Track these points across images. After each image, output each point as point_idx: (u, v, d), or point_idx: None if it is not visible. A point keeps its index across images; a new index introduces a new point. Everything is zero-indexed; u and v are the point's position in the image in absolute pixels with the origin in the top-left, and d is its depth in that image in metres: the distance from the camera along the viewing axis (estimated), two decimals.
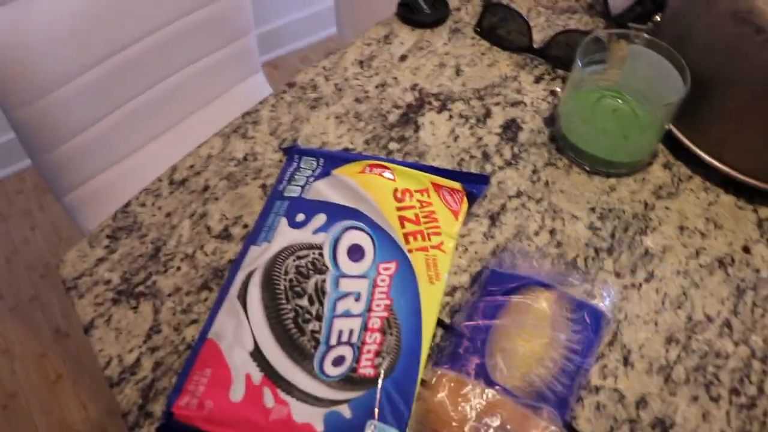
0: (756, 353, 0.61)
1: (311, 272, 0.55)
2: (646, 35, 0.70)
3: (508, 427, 0.49)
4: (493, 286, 0.58)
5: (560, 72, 0.82)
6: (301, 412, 0.49)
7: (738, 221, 0.70)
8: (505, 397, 0.50)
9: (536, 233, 0.67)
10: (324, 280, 0.55)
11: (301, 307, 0.53)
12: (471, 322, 0.55)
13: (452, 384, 0.51)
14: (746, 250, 0.68)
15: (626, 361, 0.59)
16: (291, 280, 0.55)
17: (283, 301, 0.53)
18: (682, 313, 0.63)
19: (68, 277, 0.63)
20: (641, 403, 0.57)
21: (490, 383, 0.51)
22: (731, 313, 0.63)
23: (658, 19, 0.80)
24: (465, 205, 0.64)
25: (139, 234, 0.66)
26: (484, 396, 0.50)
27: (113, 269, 0.63)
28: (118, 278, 0.63)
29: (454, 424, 0.49)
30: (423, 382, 0.52)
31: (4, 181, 1.95)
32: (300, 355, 0.51)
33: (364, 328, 0.53)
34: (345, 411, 0.49)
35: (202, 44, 1.08)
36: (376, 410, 0.48)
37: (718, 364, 0.60)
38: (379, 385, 0.50)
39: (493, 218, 0.68)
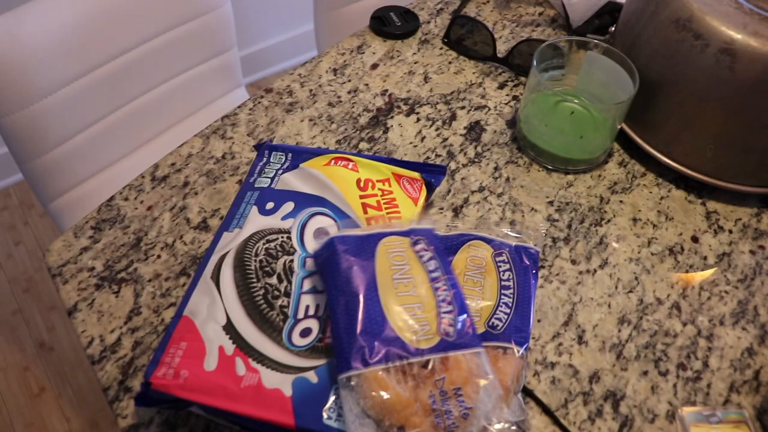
0: (702, 332, 0.65)
1: (280, 253, 0.59)
2: (600, 43, 0.76)
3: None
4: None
5: (523, 79, 0.87)
6: (271, 379, 0.52)
7: (687, 213, 0.74)
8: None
9: (497, 224, 0.71)
10: (292, 260, 0.58)
11: (271, 285, 0.57)
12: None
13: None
14: (695, 239, 0.72)
15: (580, 340, 0.63)
16: (261, 261, 0.58)
17: (254, 280, 0.57)
18: (633, 297, 0.67)
19: (54, 264, 0.66)
20: (594, 377, 0.61)
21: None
22: (680, 296, 0.67)
23: (613, 30, 0.86)
24: (424, 192, 0.68)
25: (122, 225, 0.69)
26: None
27: (97, 257, 0.67)
28: (101, 266, 0.66)
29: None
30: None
31: None
32: (270, 328, 0.55)
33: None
34: (312, 377, 0.52)
35: (186, 58, 1.13)
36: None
37: (667, 342, 0.64)
38: None
39: (456, 210, 0.72)
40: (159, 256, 0.67)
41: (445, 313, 0.55)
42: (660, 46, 0.73)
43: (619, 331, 0.64)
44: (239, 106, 0.81)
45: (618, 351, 0.63)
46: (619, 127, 0.76)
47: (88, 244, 0.68)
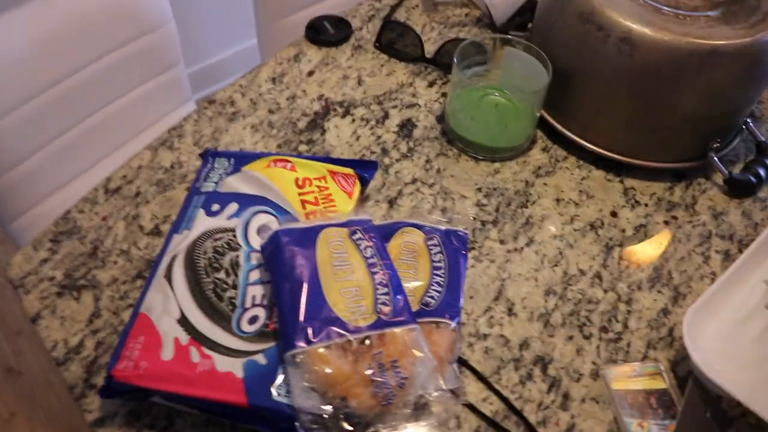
0: (621, 297, 0.71)
1: (226, 250, 0.64)
2: (521, 40, 0.82)
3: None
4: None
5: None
6: (223, 363, 0.57)
7: (607, 191, 0.81)
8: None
9: (429, 212, 0.76)
10: (238, 256, 0.63)
11: (219, 279, 0.62)
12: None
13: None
14: (614, 214, 0.79)
15: (510, 312, 0.69)
16: (209, 258, 0.63)
17: (204, 275, 0.62)
18: (558, 270, 0.73)
19: (15, 277, 0.70)
20: (524, 345, 0.67)
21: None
22: (601, 267, 0.74)
23: (531, 26, 0.92)
24: (358, 186, 0.73)
25: (78, 236, 0.73)
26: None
27: (56, 267, 0.71)
28: (61, 275, 0.70)
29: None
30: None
31: None
32: (220, 318, 0.59)
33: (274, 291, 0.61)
34: (260, 359, 0.57)
35: (135, 75, 1.16)
36: None
37: (590, 308, 0.70)
38: None
39: (391, 202, 0.77)
40: (116, 262, 0.71)
41: (381, 294, 0.60)
42: (569, 38, 0.79)
43: (546, 301, 0.71)
44: (185, 118, 0.85)
45: (545, 320, 0.69)
46: (539, 114, 0.82)
47: (47, 256, 0.72)
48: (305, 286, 0.59)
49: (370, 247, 0.63)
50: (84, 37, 1.06)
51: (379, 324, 0.58)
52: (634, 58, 0.73)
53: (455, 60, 0.79)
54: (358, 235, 0.64)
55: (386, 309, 0.59)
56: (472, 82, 0.85)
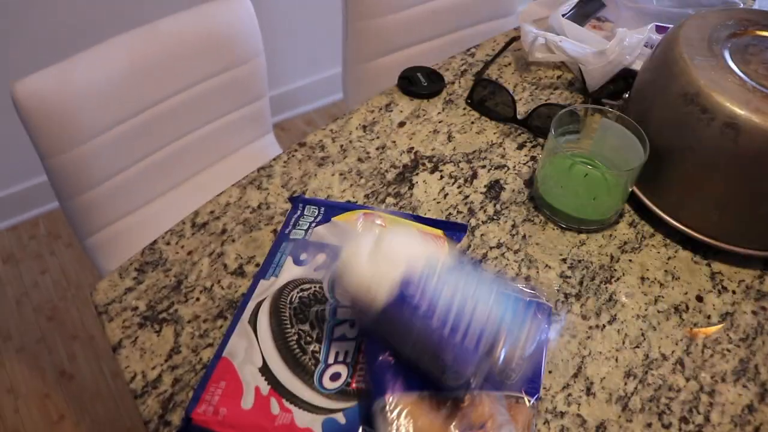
0: (704, 388, 0.69)
1: (312, 302, 0.64)
2: (615, 111, 0.81)
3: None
4: None
5: (541, 140, 0.92)
6: (302, 419, 0.57)
7: (693, 274, 0.79)
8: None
9: (513, 279, 0.76)
10: (323, 309, 0.64)
11: (304, 331, 0.62)
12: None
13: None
14: (699, 299, 0.77)
15: (588, 391, 0.68)
16: (295, 308, 0.63)
17: (288, 326, 0.62)
18: (640, 352, 0.71)
19: (100, 303, 0.72)
20: (600, 427, 0.65)
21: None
22: (684, 353, 0.72)
23: (627, 96, 0.91)
24: (446, 249, 0.73)
25: (163, 268, 0.75)
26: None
27: (140, 298, 0.72)
28: (144, 306, 0.71)
29: None
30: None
31: (19, 226, 2.05)
32: (302, 371, 0.60)
33: (358, 350, 0.61)
34: (340, 418, 0.57)
35: (221, 105, 1.20)
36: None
37: (671, 396, 0.68)
38: None
39: (476, 265, 0.77)
40: (198, 299, 0.72)
41: None
42: (669, 116, 0.78)
43: (626, 384, 0.69)
44: (274, 159, 0.87)
45: (624, 403, 0.67)
46: (630, 190, 0.81)
47: (132, 285, 0.73)
48: None
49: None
50: (179, 65, 1.09)
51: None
52: (738, 143, 0.72)
53: (552, 127, 0.78)
54: None
55: None
56: (563, 149, 0.84)
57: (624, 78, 0.97)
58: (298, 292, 0.65)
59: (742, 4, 1.17)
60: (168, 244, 0.77)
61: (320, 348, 0.61)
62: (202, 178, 1.25)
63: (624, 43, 0.96)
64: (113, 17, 1.74)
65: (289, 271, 0.67)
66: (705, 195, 0.78)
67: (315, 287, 0.65)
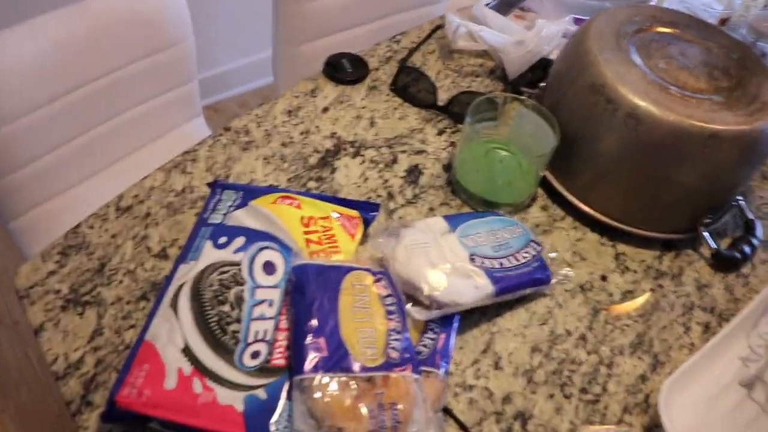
0: (603, 361, 0.74)
1: (232, 284, 0.66)
2: (531, 99, 0.85)
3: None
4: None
5: (461, 126, 0.96)
6: (225, 396, 0.59)
7: (600, 255, 0.84)
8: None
9: None
10: (242, 291, 0.66)
11: (224, 313, 0.64)
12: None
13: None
14: (603, 278, 0.82)
15: (497, 366, 0.72)
16: (215, 291, 0.65)
17: (209, 308, 0.64)
18: (546, 328, 0.76)
19: (21, 287, 0.72)
20: (506, 399, 0.70)
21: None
22: (587, 329, 0.77)
23: (543, 85, 0.96)
24: (361, 228, 0.77)
25: (87, 251, 0.75)
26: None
27: (62, 281, 0.73)
28: (67, 288, 0.72)
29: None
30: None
31: None
32: (223, 351, 0.62)
33: (276, 328, 0.65)
34: (261, 393, 0.60)
35: (149, 87, 1.19)
36: (285, 392, 0.60)
37: (573, 369, 0.73)
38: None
39: None
40: (121, 281, 0.73)
41: (392, 340, 0.64)
42: (579, 106, 0.83)
43: (532, 358, 0.73)
44: (199, 143, 0.88)
45: (529, 376, 0.72)
46: (542, 174, 0.85)
47: (55, 269, 0.74)
48: (327, 320, 0.63)
49: (391, 296, 0.67)
50: (103, 47, 1.09)
51: (386, 366, 0.61)
52: (639, 132, 0.77)
53: (468, 115, 0.82)
54: (383, 283, 0.67)
55: (394, 354, 0.62)
56: (480, 136, 0.88)
57: (542, 67, 1.02)
58: (217, 275, 0.67)
59: (653, 2, 1.23)
60: (92, 227, 0.78)
61: (240, 328, 0.64)
62: (130, 161, 1.25)
63: (542, 33, 1.00)
64: None
65: (209, 254, 0.69)
66: (610, 181, 0.83)
67: (234, 269, 0.67)
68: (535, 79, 1.01)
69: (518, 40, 1.01)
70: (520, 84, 1.02)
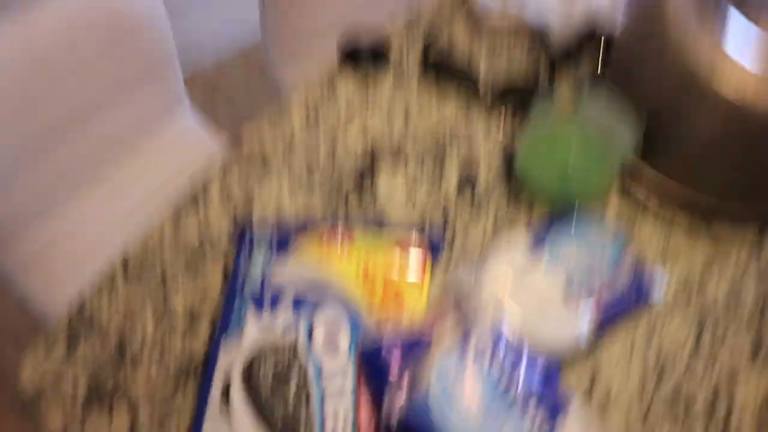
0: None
1: (290, 377, 0.54)
2: (599, 86, 0.71)
3: None
4: None
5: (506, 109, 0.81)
6: None
7: (692, 248, 0.72)
8: None
9: None
10: (306, 383, 0.54)
11: (289, 418, 0.52)
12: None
13: None
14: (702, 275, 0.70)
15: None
16: (272, 387, 0.53)
17: (269, 414, 0.53)
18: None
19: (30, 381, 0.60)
20: None
21: None
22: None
23: (601, 59, 0.81)
24: (429, 268, 0.64)
25: (100, 334, 0.62)
26: None
27: (77, 372, 0.60)
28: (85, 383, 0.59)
29: None
30: None
31: None
32: None
33: (356, 408, 0.54)
34: None
35: (126, 93, 1.03)
36: None
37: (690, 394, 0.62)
38: None
39: None
40: (149, 369, 0.60)
41: None
42: (662, 87, 0.69)
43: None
44: (207, 174, 0.73)
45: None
46: (622, 162, 0.72)
47: (63, 355, 0.61)
48: None
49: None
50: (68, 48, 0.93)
51: None
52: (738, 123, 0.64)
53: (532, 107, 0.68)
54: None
55: None
56: (546, 125, 0.74)
57: (590, 37, 0.86)
58: (271, 367, 0.54)
59: None
60: (98, 302, 0.64)
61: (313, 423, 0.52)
62: (120, 173, 1.09)
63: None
64: None
65: (253, 328, 0.56)
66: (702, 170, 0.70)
67: (289, 355, 0.55)
68: (584, 48, 0.86)
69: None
70: (567, 60, 0.86)
